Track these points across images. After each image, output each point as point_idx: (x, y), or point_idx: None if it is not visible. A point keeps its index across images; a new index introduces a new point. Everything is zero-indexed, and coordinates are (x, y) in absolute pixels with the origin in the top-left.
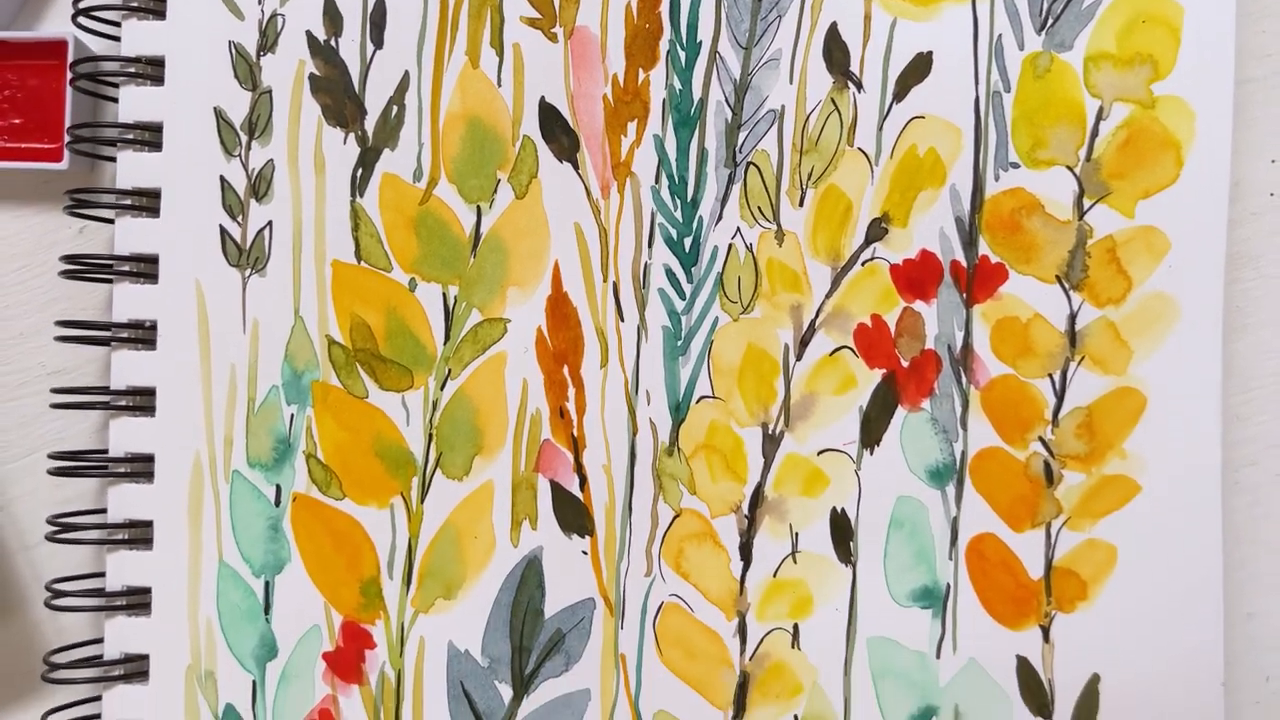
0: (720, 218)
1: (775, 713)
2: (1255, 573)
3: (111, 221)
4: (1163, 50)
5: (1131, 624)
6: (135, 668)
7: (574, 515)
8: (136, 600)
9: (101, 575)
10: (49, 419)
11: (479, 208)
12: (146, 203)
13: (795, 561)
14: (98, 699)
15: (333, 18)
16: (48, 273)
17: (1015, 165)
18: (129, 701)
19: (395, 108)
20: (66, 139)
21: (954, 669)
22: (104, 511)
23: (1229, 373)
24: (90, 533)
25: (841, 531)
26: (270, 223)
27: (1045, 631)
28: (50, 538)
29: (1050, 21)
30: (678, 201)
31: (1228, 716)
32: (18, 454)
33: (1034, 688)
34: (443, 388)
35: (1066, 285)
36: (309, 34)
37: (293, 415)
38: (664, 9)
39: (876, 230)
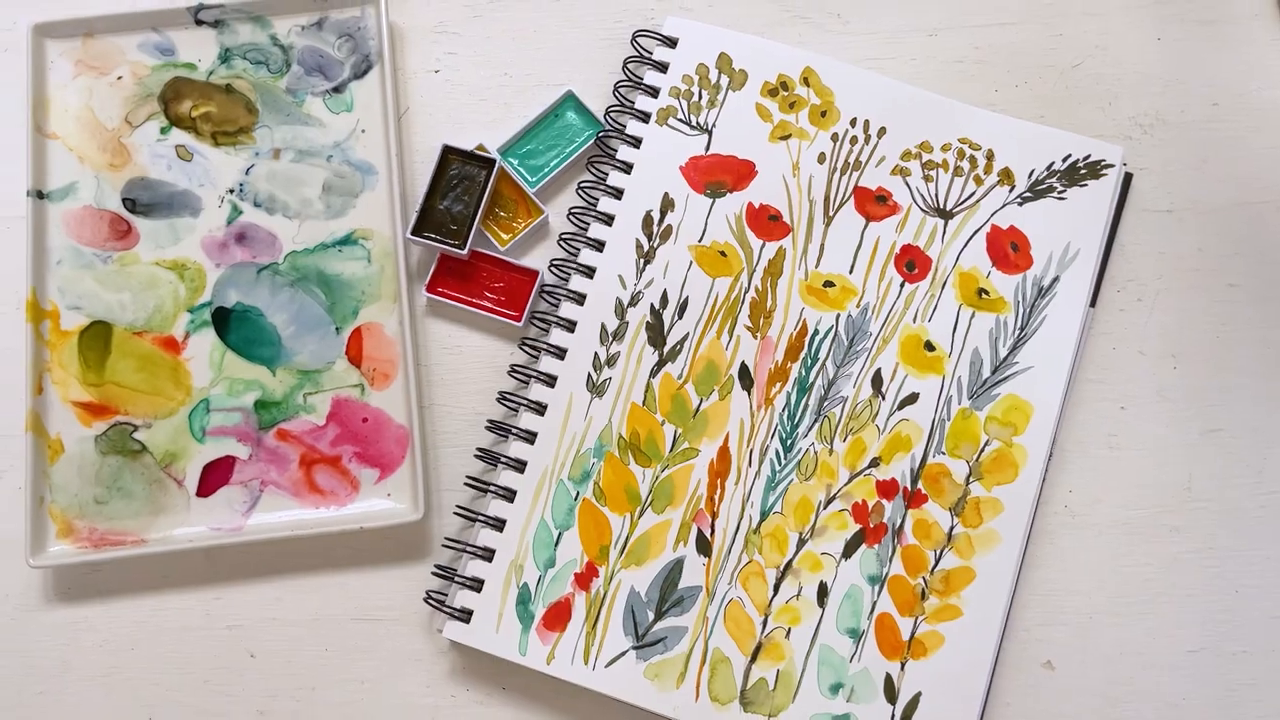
0: (807, 435)
1: (770, 664)
2: (1013, 663)
3: (537, 355)
4: (1021, 421)
5: (944, 673)
6: (486, 554)
7: (704, 546)
8: (497, 523)
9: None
10: (472, 437)
11: (702, 398)
12: (559, 353)
13: (798, 599)
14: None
15: (663, 299)
16: (499, 370)
17: (943, 453)
18: (479, 570)
19: (679, 345)
20: (526, 313)
21: (856, 670)
22: (490, 485)
23: (1032, 552)
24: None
25: (822, 593)
26: (610, 378)
27: (903, 665)
28: (466, 484)
29: (974, 396)
30: (790, 423)
31: None
32: (450, 443)
33: (890, 690)
34: (663, 470)
35: (953, 514)
36: (650, 305)
37: (594, 463)
38: (806, 339)
39: (873, 463)
